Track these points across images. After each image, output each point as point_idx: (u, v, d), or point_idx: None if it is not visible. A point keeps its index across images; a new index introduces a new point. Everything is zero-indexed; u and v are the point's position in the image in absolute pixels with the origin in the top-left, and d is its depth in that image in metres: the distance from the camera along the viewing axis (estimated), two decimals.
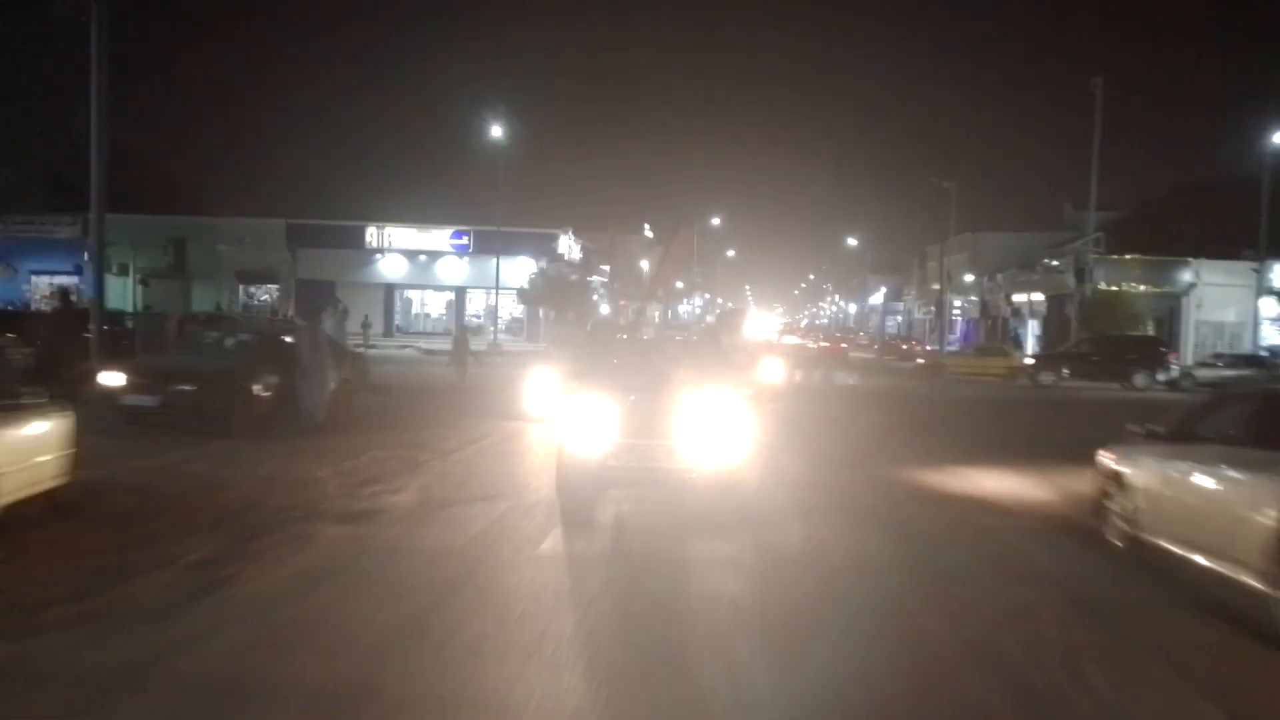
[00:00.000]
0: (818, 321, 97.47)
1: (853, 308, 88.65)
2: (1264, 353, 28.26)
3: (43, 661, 3.95)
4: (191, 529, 6.10)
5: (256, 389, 10.39)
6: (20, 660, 3.93)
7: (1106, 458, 6.39)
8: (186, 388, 9.49)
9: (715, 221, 60.72)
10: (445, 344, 23.91)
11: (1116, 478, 6.11)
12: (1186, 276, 36.01)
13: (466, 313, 37.94)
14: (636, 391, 7.28)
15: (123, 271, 38.36)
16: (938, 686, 3.99)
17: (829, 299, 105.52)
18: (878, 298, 77.36)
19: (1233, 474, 4.92)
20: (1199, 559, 5.04)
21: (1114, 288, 35.07)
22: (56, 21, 15.39)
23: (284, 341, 11.75)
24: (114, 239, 37.27)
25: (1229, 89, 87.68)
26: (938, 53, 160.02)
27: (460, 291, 39.08)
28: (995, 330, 46.70)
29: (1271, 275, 32.69)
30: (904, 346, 35.18)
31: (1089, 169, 35.03)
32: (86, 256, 37.93)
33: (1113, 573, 5.84)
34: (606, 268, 45.52)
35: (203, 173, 40.76)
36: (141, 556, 5.42)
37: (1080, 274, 34.33)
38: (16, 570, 5.07)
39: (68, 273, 36.90)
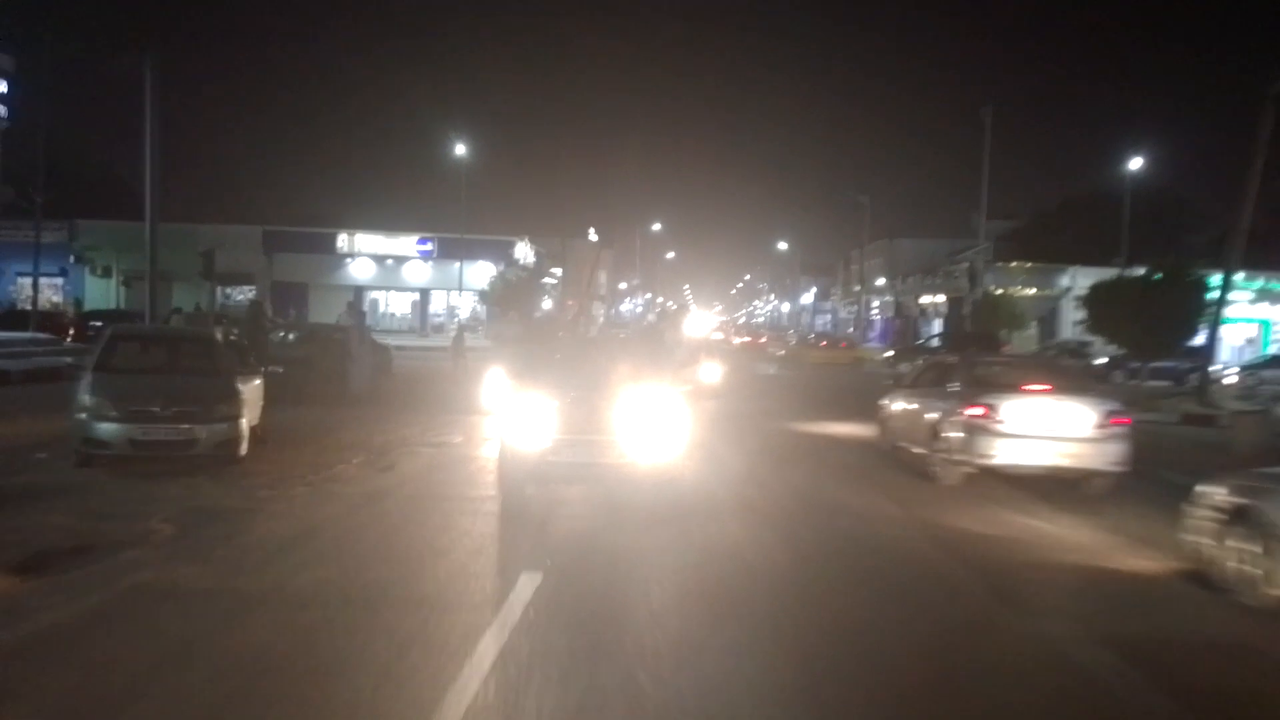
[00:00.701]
0: (755, 320, 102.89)
1: (786, 306, 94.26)
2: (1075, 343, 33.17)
3: (319, 494, 8.09)
4: (343, 449, 10.24)
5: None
6: (305, 495, 8.05)
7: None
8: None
9: (656, 226, 65.22)
10: (411, 340, 28.00)
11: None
12: (1064, 281, 41.63)
13: (429, 313, 41.90)
14: (576, 388, 7.58)
15: (106, 274, 41.40)
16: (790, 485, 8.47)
17: (765, 298, 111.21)
18: (809, 297, 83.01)
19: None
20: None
21: (1000, 291, 40.51)
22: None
23: (335, 337, 15.87)
24: (98, 243, 40.44)
25: (1110, 112, 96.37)
26: (863, 72, 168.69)
27: (425, 293, 42.94)
28: (908, 328, 52.18)
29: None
30: (822, 343, 40.02)
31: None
32: (73, 259, 40.97)
33: (876, 461, 10.51)
34: (558, 270, 49.78)
35: (182, 182, 43.60)
36: (328, 459, 9.58)
37: (973, 278, 39.66)
38: (261, 464, 9.19)
39: (53, 274, 39.89)
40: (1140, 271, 21.26)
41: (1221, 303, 19.47)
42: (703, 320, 41.21)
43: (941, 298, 46.80)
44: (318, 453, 9.91)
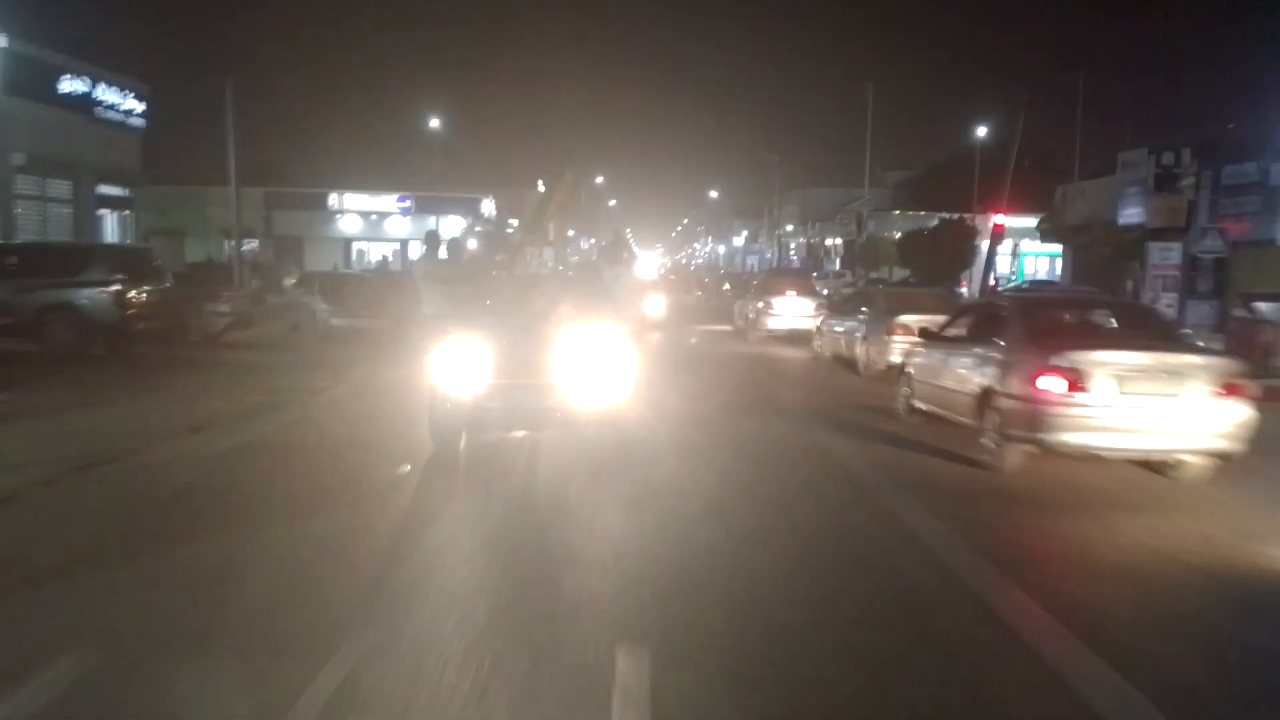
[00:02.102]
0: (694, 261, 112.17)
1: (722, 248, 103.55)
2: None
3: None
4: None
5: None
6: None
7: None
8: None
9: (599, 180, 73.88)
10: None
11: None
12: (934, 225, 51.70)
13: (407, 261, 50.30)
14: (512, 330, 7.37)
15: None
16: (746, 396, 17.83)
17: (703, 240, 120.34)
18: (741, 239, 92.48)
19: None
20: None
21: (883, 234, 50.36)
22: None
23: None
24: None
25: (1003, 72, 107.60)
26: (790, 33, 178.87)
27: (404, 244, 51.33)
28: (815, 264, 62.05)
29: None
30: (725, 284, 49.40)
31: (892, 138, 49.89)
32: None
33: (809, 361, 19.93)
34: (515, 221, 58.35)
35: (192, 147, 51.64)
36: None
37: (859, 224, 49.41)
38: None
39: None
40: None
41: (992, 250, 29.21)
42: (648, 262, 49.71)
43: (839, 240, 56.61)
44: None
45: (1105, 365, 6.62)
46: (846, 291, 22.27)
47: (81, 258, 14.27)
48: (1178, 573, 5.16)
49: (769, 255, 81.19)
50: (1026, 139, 36.81)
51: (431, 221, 48.02)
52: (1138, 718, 3.48)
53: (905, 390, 9.57)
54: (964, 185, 56.95)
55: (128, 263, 14.71)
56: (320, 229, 50.02)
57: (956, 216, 30.16)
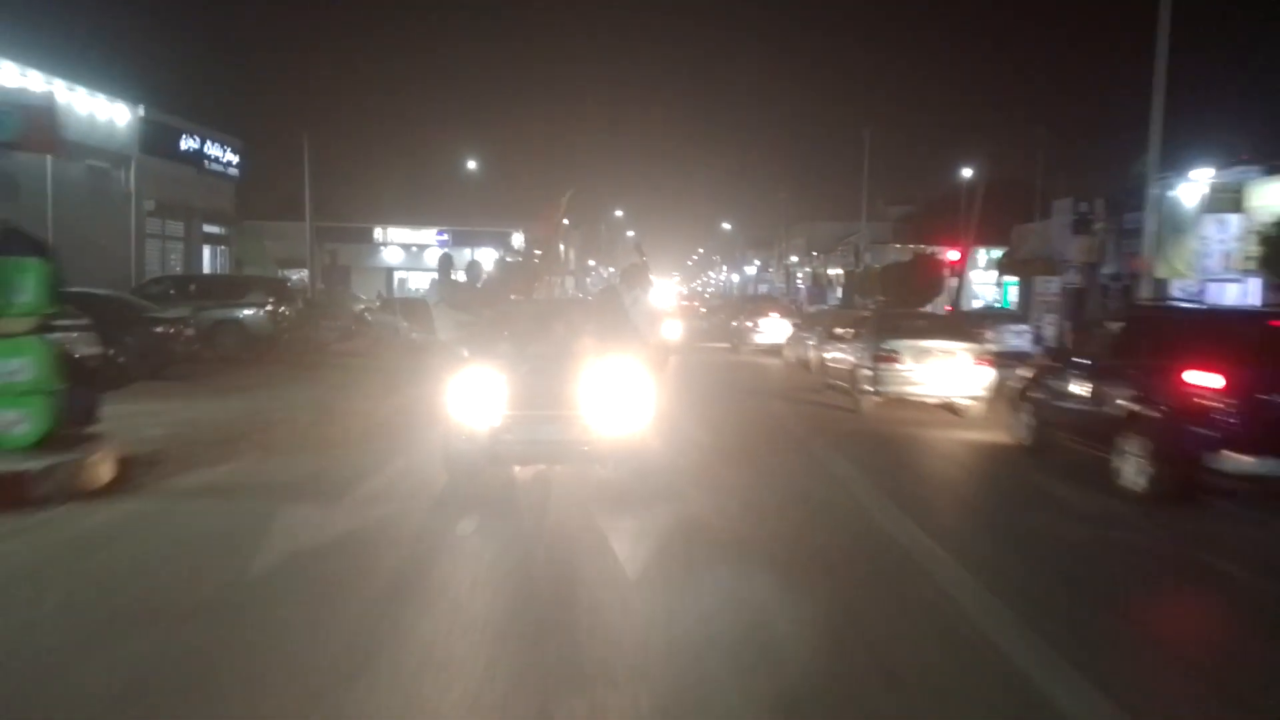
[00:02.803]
0: (707, 289, 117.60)
1: (736, 277, 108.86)
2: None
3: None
4: None
5: None
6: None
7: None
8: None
9: (619, 213, 79.63)
10: None
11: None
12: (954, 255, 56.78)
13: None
14: (531, 358, 7.26)
15: None
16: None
17: (718, 269, 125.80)
18: (753, 269, 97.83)
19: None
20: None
21: (878, 266, 55.45)
22: None
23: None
24: None
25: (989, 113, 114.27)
26: (797, 75, 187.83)
27: None
28: (819, 293, 67.21)
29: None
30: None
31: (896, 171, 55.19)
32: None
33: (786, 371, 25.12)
34: (539, 253, 63.93)
35: (248, 186, 58.14)
36: None
37: (856, 256, 54.51)
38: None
39: None
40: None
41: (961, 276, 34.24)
42: (665, 289, 54.62)
43: (840, 270, 61.75)
44: None
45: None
46: (810, 312, 27.50)
47: (244, 286, 19.69)
48: (960, 449, 10.29)
49: (780, 285, 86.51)
50: (1016, 177, 41.49)
51: (467, 253, 53.58)
52: (912, 534, 6.68)
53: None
54: (958, 220, 62.40)
55: (276, 289, 20.13)
56: (366, 260, 55.74)
57: (929, 251, 35.24)
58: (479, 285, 10.83)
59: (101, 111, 26.55)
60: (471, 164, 52.13)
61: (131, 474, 7.59)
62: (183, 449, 8.82)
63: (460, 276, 10.37)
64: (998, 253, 39.57)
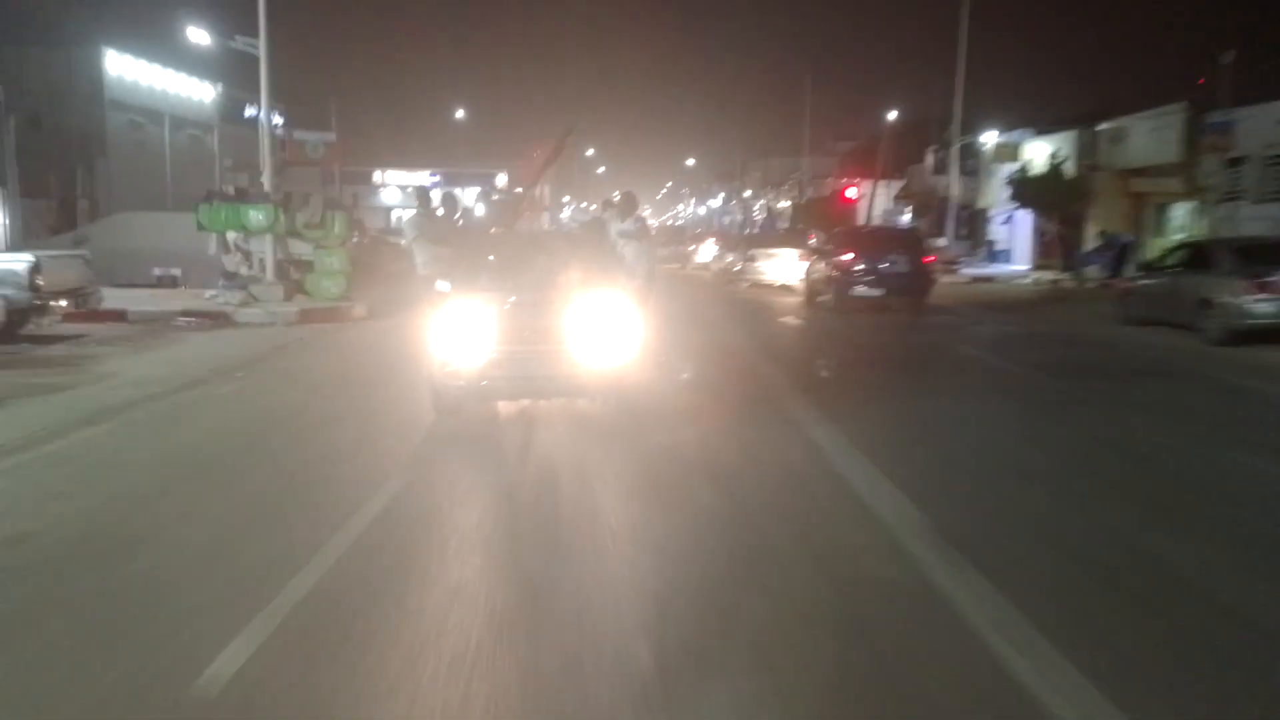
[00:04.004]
0: (679, 221, 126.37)
1: (703, 210, 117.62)
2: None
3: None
4: None
5: None
6: None
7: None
8: None
9: (590, 152, 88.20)
10: None
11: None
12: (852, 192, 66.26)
13: None
14: (515, 292, 7.19)
15: None
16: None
17: (687, 202, 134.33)
18: (718, 202, 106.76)
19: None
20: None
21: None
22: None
23: None
24: None
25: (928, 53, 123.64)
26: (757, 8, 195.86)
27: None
28: (771, 224, 76.58)
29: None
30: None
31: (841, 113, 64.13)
32: None
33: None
34: (519, 189, 72.75)
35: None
36: None
37: (800, 190, 63.88)
38: None
39: None
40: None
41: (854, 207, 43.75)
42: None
43: (788, 202, 71.18)
44: None
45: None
46: (728, 238, 37.48)
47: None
48: (789, 301, 20.05)
49: (739, 216, 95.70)
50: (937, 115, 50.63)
51: (457, 193, 62.14)
52: (814, 412, 17.24)
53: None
54: (893, 155, 71.70)
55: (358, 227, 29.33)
56: (367, 199, 64.38)
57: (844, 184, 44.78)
58: (456, 219, 10.88)
59: (195, 91, 35.50)
60: (460, 113, 60.66)
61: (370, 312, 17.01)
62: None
63: (439, 211, 10.53)
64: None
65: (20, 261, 11.65)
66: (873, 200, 46.47)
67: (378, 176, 64.06)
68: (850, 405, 8.36)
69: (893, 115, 62.38)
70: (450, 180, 63.64)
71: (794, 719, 3.16)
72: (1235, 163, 20.97)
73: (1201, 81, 23.09)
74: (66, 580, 4.32)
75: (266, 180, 17.76)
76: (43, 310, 12.09)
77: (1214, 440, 7.28)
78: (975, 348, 13.17)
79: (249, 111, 38.91)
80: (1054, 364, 11.64)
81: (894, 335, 14.56)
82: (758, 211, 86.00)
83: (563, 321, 6.91)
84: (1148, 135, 23.95)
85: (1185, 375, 10.80)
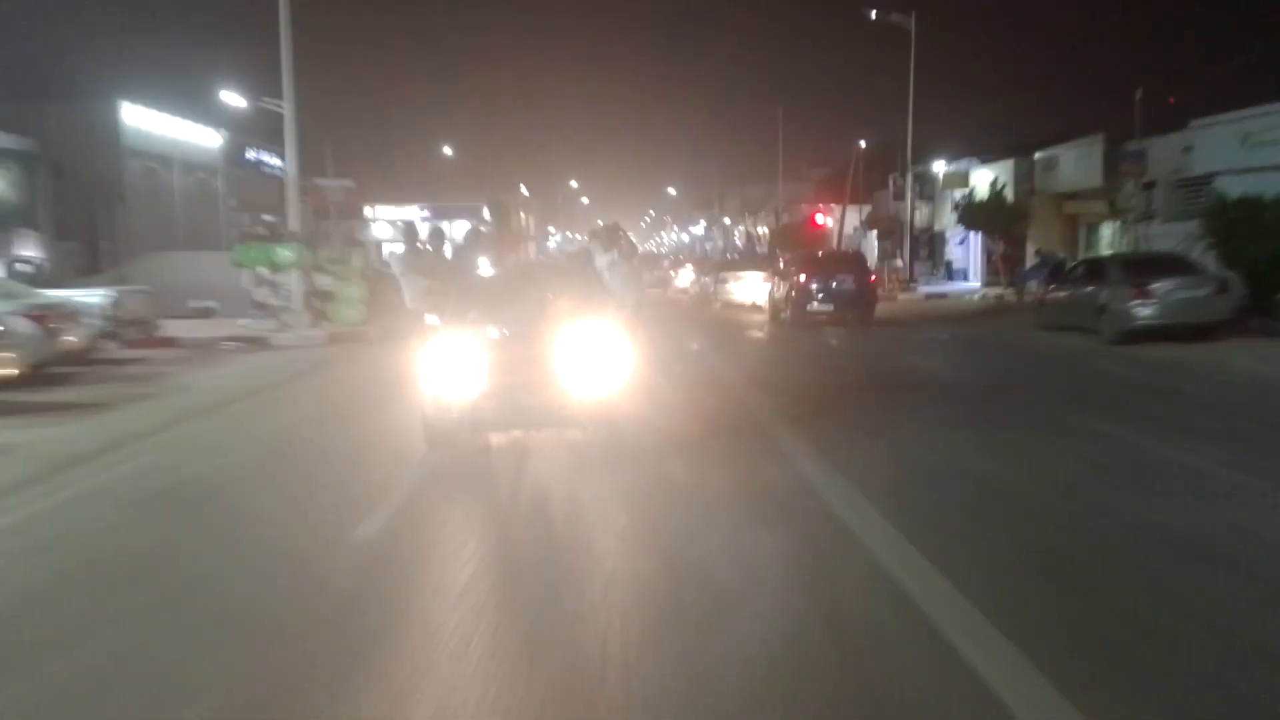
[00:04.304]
0: (662, 248, 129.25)
1: (685, 236, 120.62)
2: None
3: None
4: None
5: None
6: None
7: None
8: None
9: (574, 184, 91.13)
10: None
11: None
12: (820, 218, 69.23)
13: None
14: (505, 323, 7.37)
15: None
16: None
17: (670, 229, 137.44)
18: (700, 229, 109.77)
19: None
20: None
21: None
22: None
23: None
24: None
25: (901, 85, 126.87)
26: (735, 37, 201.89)
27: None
28: (751, 249, 79.40)
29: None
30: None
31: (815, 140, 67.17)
32: None
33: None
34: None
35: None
36: None
37: (776, 216, 66.74)
38: None
39: None
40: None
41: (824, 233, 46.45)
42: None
43: (765, 229, 74.07)
44: None
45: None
46: (705, 263, 40.10)
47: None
48: (754, 318, 22.55)
49: (720, 241, 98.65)
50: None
51: (446, 226, 64.65)
52: (763, 403, 20.34)
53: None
54: (862, 181, 74.95)
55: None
56: (360, 234, 66.85)
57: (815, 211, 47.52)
58: (443, 253, 11.02)
59: (202, 137, 37.95)
60: (446, 149, 63.39)
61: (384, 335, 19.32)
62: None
63: (425, 246, 10.64)
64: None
65: (103, 296, 13.99)
66: (842, 224, 49.29)
67: (368, 211, 66.54)
68: (807, 408, 10.77)
69: (861, 143, 65.60)
70: (439, 214, 66.21)
71: None
72: (1149, 186, 23.63)
73: (1171, 100, 25.78)
74: (246, 496, 6.75)
75: (293, 221, 20.10)
76: (114, 336, 14.40)
77: (1059, 404, 9.78)
78: (909, 352, 15.62)
79: (249, 155, 41.51)
80: (967, 361, 14.12)
81: (841, 345, 17.01)
82: (738, 237, 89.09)
83: (552, 352, 7.07)
84: (1075, 163, 26.70)
85: (1069, 364, 13.29)
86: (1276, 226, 16.39)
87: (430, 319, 8.23)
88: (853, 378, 12.38)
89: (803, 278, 20.38)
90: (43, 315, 11.75)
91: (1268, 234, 16.30)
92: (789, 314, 20.56)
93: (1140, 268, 15.92)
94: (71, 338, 12.40)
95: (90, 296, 14.12)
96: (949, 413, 9.28)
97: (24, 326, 11.33)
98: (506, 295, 8.38)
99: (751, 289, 25.04)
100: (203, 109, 36.15)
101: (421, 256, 10.27)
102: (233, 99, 25.54)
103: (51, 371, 12.09)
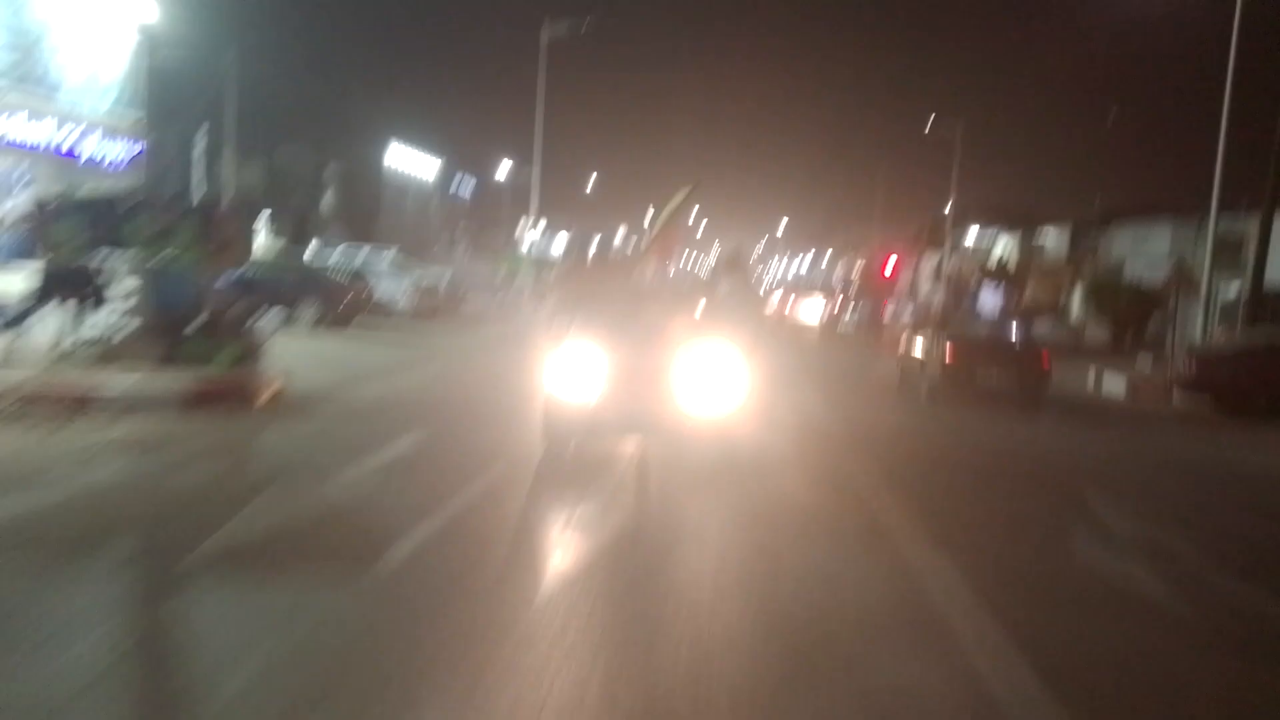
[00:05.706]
0: (776, 276, 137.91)
1: (796, 266, 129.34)
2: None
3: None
4: None
5: None
6: None
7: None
8: None
9: (696, 208, 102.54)
10: None
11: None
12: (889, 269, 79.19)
13: None
14: (629, 337, 7.87)
15: None
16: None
17: (783, 258, 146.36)
18: (808, 259, 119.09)
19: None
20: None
21: None
22: None
23: None
24: None
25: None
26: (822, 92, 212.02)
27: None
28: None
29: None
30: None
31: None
32: None
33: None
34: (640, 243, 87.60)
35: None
36: None
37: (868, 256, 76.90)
38: None
39: None
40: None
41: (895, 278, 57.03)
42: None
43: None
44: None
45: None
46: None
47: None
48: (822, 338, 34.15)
49: (840, 273, 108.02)
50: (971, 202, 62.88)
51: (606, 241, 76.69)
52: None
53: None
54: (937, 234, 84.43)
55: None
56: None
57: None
58: (608, 260, 11.18)
59: (423, 167, 51.94)
60: (594, 175, 76.76)
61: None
62: None
63: (587, 256, 14.52)
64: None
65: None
66: (916, 272, 59.60)
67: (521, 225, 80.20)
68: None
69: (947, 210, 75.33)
70: (581, 232, 78.82)
71: None
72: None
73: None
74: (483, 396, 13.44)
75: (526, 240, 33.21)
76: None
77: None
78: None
79: (454, 187, 55.47)
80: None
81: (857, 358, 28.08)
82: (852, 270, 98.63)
83: (672, 367, 7.51)
84: (1055, 239, 37.28)
85: None
86: None
87: (561, 322, 8.92)
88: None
89: (840, 301, 31.50)
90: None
91: None
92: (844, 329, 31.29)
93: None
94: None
95: (433, 277, 27.10)
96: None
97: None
98: (634, 309, 9.14)
99: (811, 309, 35.26)
100: (425, 141, 49.91)
101: (586, 263, 12.29)
102: (504, 171, 39.04)
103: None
